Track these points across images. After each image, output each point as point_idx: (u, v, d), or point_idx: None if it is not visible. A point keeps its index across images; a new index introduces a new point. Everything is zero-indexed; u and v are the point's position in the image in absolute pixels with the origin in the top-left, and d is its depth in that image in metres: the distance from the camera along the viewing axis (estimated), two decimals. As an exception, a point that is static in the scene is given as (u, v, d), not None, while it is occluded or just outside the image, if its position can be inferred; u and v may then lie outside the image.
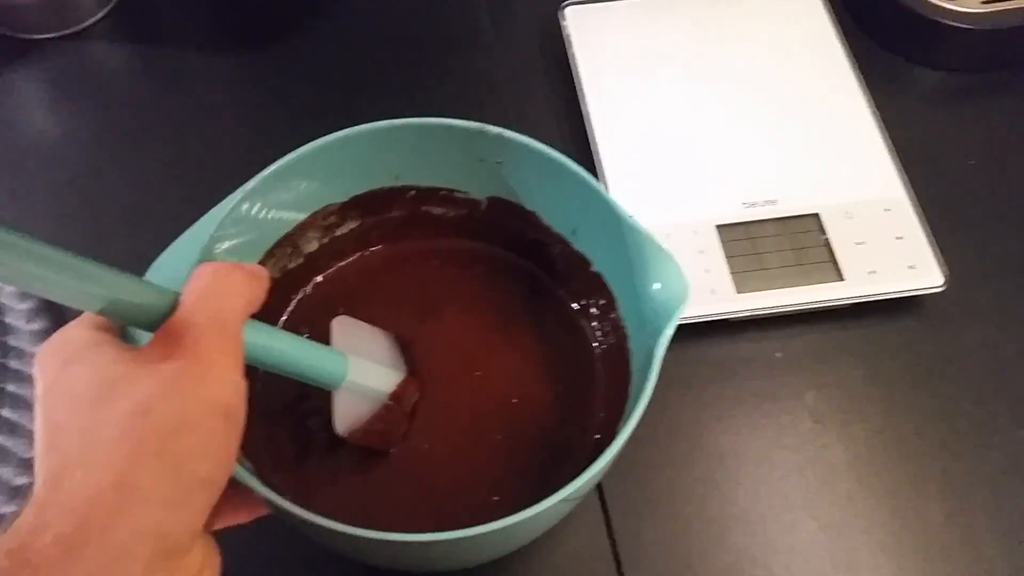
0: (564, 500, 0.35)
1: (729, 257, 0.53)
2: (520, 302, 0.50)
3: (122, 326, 0.33)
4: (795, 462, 0.50)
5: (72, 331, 0.31)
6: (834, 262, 0.53)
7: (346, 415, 0.42)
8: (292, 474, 0.43)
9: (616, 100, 0.59)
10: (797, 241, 0.53)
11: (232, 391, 0.30)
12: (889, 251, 0.53)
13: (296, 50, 0.66)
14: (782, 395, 0.52)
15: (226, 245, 0.42)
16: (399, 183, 0.48)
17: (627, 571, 0.47)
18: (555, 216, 0.48)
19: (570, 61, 0.61)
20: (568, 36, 0.62)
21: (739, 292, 0.52)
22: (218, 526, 0.35)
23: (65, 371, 0.30)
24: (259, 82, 0.65)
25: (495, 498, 0.43)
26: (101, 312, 0.31)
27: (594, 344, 0.48)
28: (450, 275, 0.51)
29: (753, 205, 0.54)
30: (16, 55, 0.65)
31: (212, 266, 0.33)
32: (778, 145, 0.58)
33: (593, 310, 0.48)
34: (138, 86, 0.66)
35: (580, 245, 0.47)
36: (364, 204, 0.49)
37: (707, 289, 0.52)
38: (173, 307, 0.32)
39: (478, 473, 0.44)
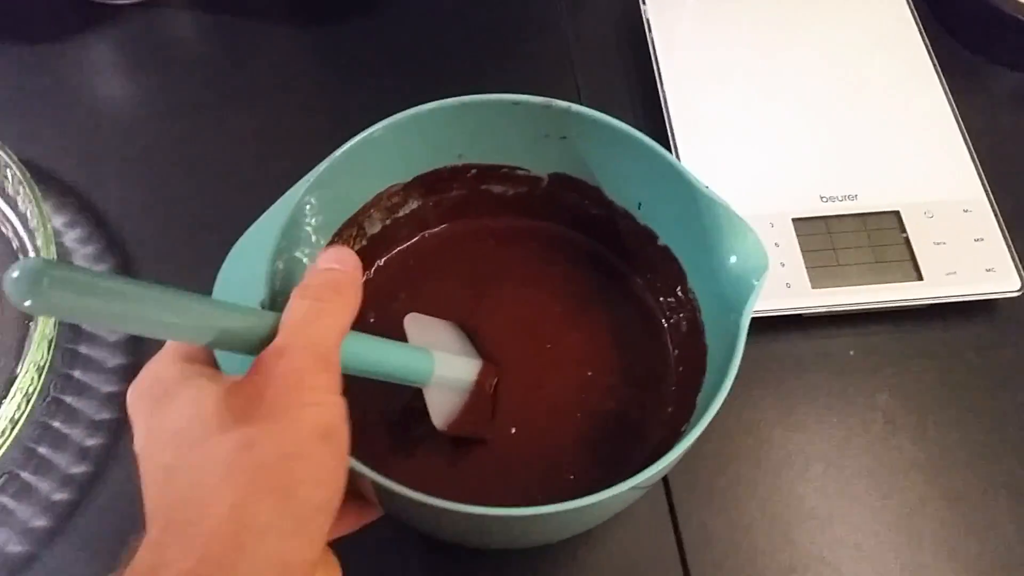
0: (635, 488, 0.35)
1: (805, 251, 0.52)
2: (583, 278, 0.49)
3: (209, 353, 0.33)
4: (865, 463, 0.49)
5: (160, 367, 0.31)
6: (914, 261, 0.52)
7: (441, 410, 0.42)
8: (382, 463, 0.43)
9: (695, 88, 0.58)
10: (876, 238, 0.52)
11: (330, 414, 0.30)
12: (968, 253, 0.52)
13: (372, 27, 0.66)
14: (854, 394, 0.51)
15: (301, 227, 0.42)
16: (461, 162, 0.48)
17: (691, 562, 0.46)
18: (619, 190, 0.47)
19: (649, 46, 0.61)
20: (648, 21, 0.62)
21: (814, 287, 0.51)
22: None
23: (161, 411, 0.30)
24: (335, 58, 0.65)
25: (570, 476, 0.43)
26: (210, 345, 0.31)
27: (663, 319, 0.48)
28: (511, 254, 0.50)
29: (831, 200, 0.54)
30: (91, 20, 0.65)
31: (311, 292, 0.33)
32: (857, 140, 0.57)
33: (660, 284, 0.48)
34: (213, 57, 0.65)
35: (645, 219, 0.47)
36: (427, 184, 0.48)
37: (782, 283, 0.51)
38: (274, 331, 0.31)
39: (562, 451, 0.44)
